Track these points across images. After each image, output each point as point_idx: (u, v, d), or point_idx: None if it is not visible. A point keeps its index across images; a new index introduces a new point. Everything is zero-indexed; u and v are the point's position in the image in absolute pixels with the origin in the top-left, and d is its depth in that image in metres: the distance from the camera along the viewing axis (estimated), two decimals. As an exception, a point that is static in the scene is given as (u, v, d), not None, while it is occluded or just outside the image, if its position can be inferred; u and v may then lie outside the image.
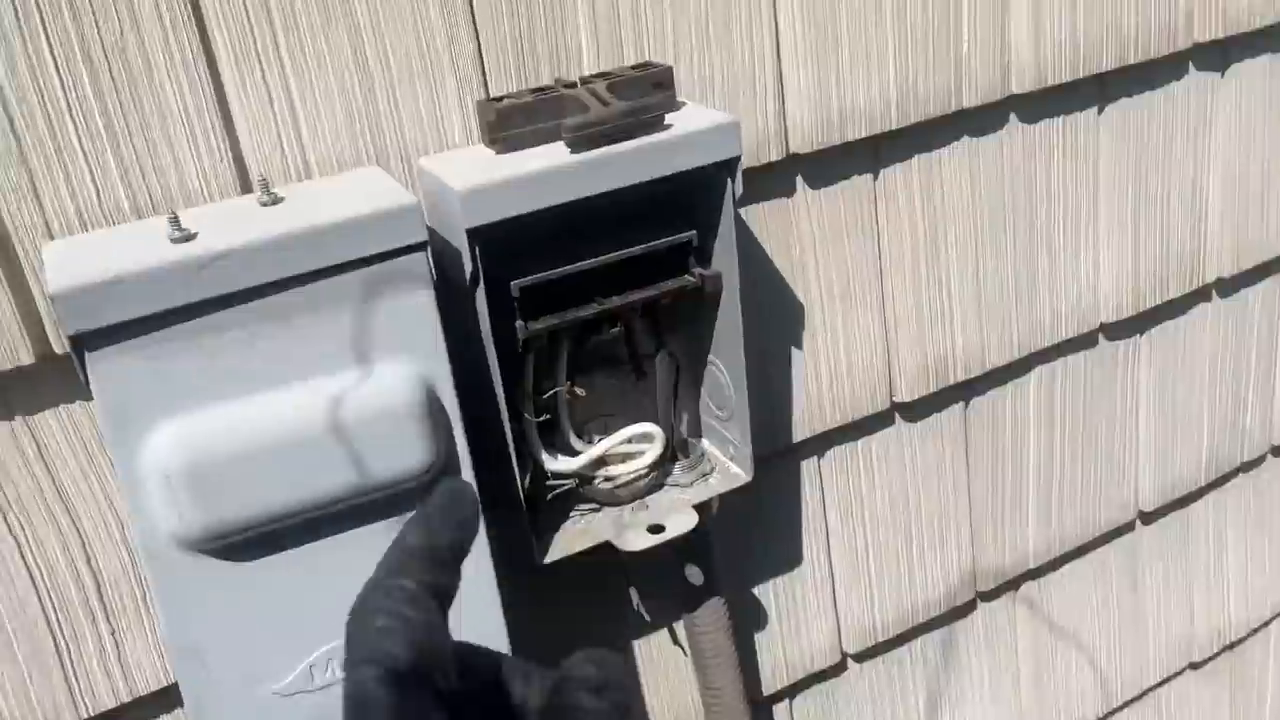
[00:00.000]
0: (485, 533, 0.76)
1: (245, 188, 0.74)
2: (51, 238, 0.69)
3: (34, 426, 0.73)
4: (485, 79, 0.79)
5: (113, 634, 0.79)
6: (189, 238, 0.64)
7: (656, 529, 0.87)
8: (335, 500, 0.69)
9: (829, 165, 0.96)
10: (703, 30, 0.86)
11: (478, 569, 0.75)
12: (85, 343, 0.61)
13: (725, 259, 0.84)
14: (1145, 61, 1.09)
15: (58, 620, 0.77)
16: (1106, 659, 1.39)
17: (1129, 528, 1.35)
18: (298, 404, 0.67)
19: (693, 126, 0.77)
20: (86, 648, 0.78)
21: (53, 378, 0.72)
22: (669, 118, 0.77)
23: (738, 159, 0.79)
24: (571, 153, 0.73)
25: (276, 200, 0.69)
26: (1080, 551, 1.31)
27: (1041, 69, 1.02)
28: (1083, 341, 1.19)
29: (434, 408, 0.71)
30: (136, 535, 0.66)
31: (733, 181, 0.80)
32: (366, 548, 0.72)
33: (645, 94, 0.77)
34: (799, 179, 0.95)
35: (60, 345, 0.71)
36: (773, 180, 0.94)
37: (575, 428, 0.89)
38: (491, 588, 0.76)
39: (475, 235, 0.72)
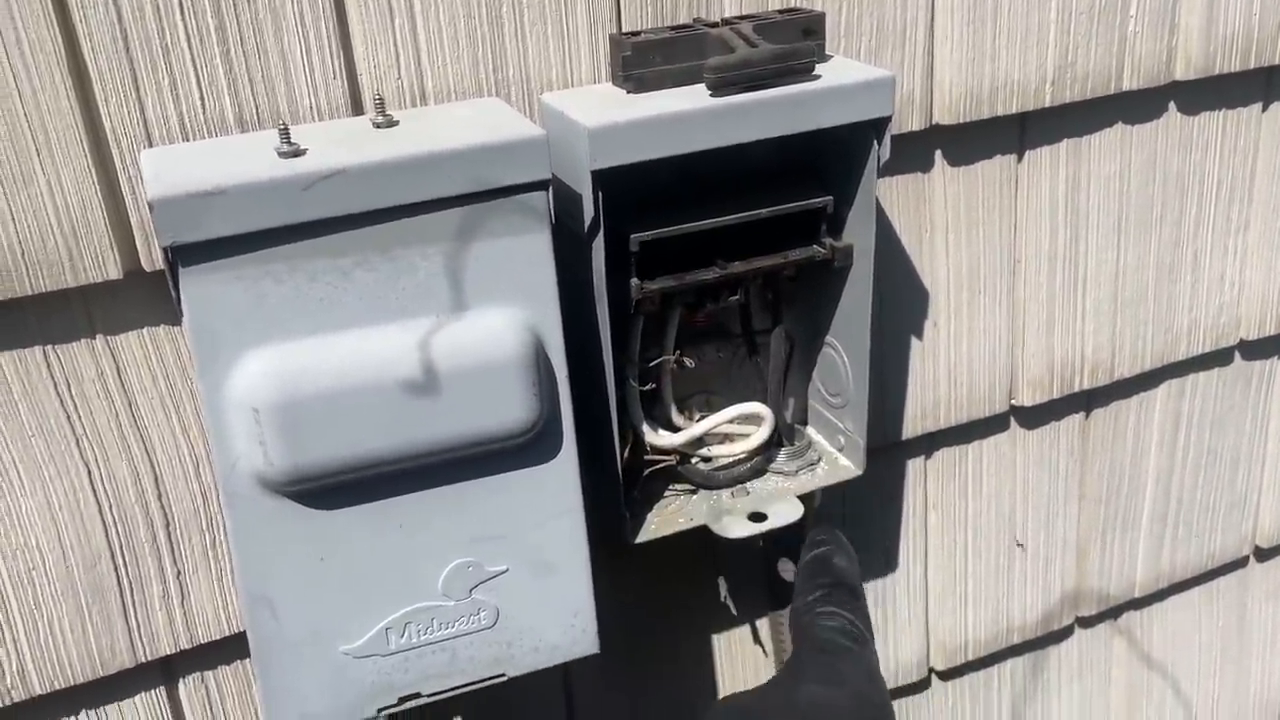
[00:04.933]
0: (581, 504, 0.70)
1: (356, 109, 0.69)
2: (150, 145, 0.64)
3: (115, 348, 0.68)
4: (619, 12, 0.73)
5: (178, 576, 0.74)
6: (298, 153, 0.59)
7: (758, 517, 0.80)
8: (428, 452, 0.63)
9: (972, 141, 0.88)
10: (854, -19, 0.79)
11: (571, 540, 0.70)
12: (181, 257, 0.56)
13: (860, 231, 0.77)
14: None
15: (123, 557, 0.72)
16: (1203, 701, 1.30)
17: (1242, 563, 1.26)
18: (395, 344, 0.62)
19: (843, 79, 0.70)
20: (151, 589, 0.73)
21: (138, 297, 0.68)
22: (818, 68, 0.70)
23: (888, 119, 0.72)
24: (712, 95, 0.67)
25: (391, 123, 0.64)
26: (1188, 584, 1.22)
27: (1210, 56, 0.93)
28: (1218, 358, 1.10)
29: (540, 361, 0.65)
30: (217, 472, 0.61)
31: (879, 145, 0.73)
32: (455, 507, 0.66)
33: (793, 39, 0.71)
34: (938, 153, 0.88)
35: (150, 262, 0.66)
36: (910, 152, 0.86)
37: (676, 401, 0.83)
38: (584, 561, 0.70)
39: (600, 179, 0.66)
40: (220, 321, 0.58)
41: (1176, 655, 1.26)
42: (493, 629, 0.69)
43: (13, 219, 0.62)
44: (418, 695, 0.69)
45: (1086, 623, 1.17)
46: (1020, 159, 0.91)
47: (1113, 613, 1.19)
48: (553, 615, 0.71)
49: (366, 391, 0.61)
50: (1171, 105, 0.96)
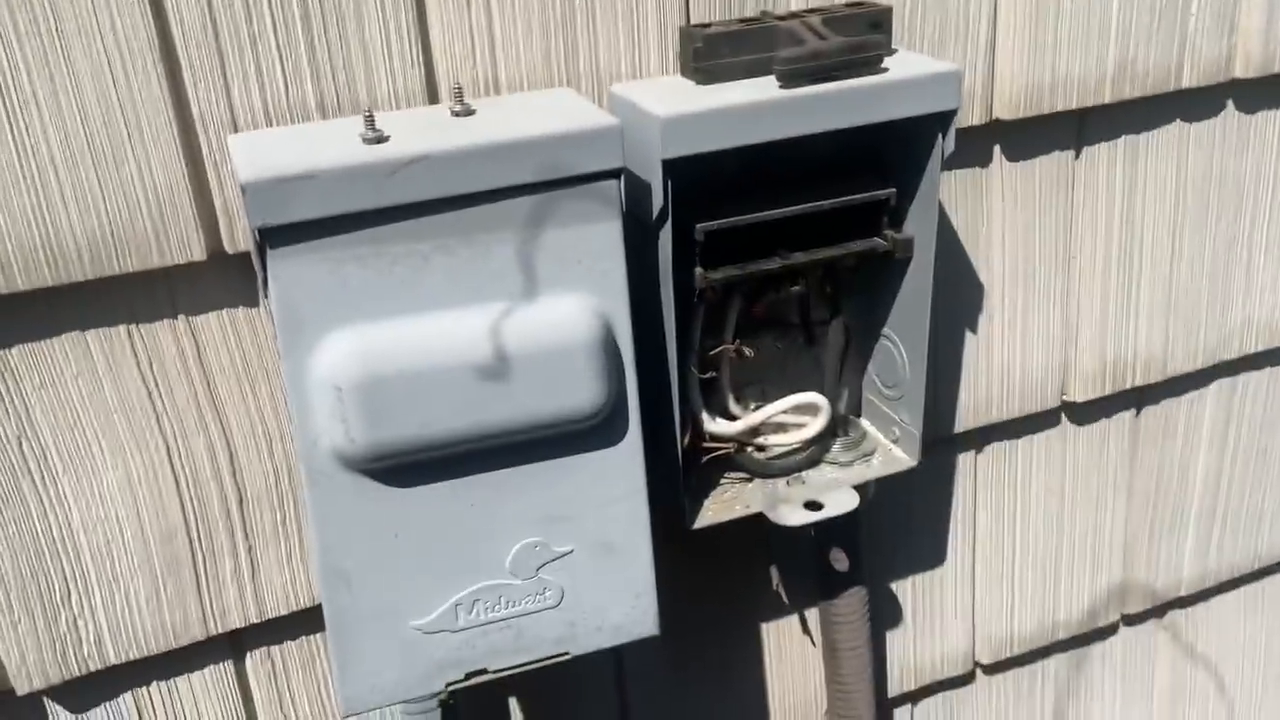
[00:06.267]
0: (645, 487, 0.71)
1: (432, 97, 0.70)
2: (235, 130, 0.66)
3: (195, 328, 0.70)
4: (688, 4, 0.74)
5: (249, 552, 0.76)
6: (382, 139, 0.61)
7: (814, 506, 0.81)
8: (501, 431, 0.65)
9: (1031, 136, 0.89)
10: (918, -24, 0.80)
11: (635, 523, 0.71)
12: (270, 239, 0.58)
13: (922, 223, 0.77)
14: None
15: (198, 532, 0.74)
16: (1245, 700, 1.30)
17: (1288, 563, 1.25)
18: (472, 327, 0.63)
19: (911, 72, 0.71)
20: (223, 563, 0.75)
21: (219, 278, 0.70)
22: (884, 61, 0.71)
23: (954, 113, 0.72)
24: (781, 87, 0.68)
25: (469, 111, 0.65)
26: (1234, 583, 1.22)
27: (1269, 54, 0.93)
28: (1270, 357, 1.10)
29: (609, 347, 0.67)
30: (298, 449, 0.62)
31: (944, 138, 0.74)
32: (524, 488, 0.68)
33: (861, 32, 0.71)
34: (997, 148, 0.89)
35: (232, 244, 0.68)
36: (969, 146, 0.87)
37: (734, 390, 0.84)
38: (647, 544, 0.72)
39: (670, 168, 0.67)
40: (305, 302, 0.60)
41: (1220, 654, 1.26)
42: (557, 608, 0.71)
43: (104, 200, 0.64)
44: (484, 671, 0.70)
45: (1131, 620, 1.17)
46: (1078, 155, 0.92)
47: (1158, 610, 1.19)
48: (615, 596, 0.72)
49: (444, 372, 0.62)
50: (1230, 103, 0.96)
